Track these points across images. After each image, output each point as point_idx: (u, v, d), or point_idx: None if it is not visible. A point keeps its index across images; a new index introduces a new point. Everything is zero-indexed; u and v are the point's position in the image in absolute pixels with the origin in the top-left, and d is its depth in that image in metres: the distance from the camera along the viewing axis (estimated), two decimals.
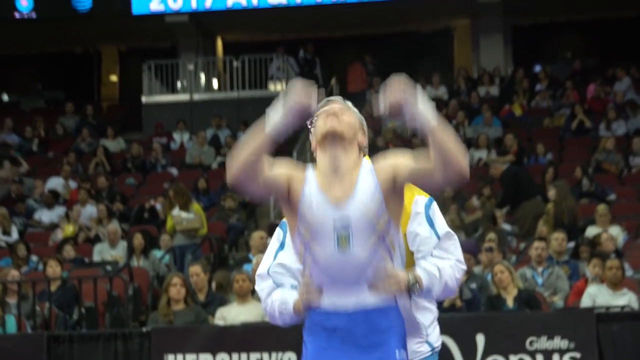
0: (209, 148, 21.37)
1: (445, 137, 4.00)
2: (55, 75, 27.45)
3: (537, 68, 24.42)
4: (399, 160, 4.21)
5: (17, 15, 24.10)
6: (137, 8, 23.84)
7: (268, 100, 18.38)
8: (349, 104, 4.38)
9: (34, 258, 15.92)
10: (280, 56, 23.89)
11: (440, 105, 22.57)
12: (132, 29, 25.80)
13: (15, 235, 17.50)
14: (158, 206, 18.06)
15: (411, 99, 3.95)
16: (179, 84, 24.56)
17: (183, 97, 24.09)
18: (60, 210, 18.75)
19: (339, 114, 4.25)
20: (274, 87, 23.91)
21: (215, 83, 25.22)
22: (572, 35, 26.03)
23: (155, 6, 23.82)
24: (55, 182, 19.91)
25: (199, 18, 24.81)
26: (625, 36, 25.15)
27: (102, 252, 16.19)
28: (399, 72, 4.25)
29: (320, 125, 4.27)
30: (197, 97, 24.00)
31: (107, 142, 22.21)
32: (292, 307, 4.37)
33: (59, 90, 26.61)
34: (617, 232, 14.85)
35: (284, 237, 4.51)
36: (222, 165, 20.58)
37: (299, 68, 24.14)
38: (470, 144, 20.22)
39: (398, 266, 4.32)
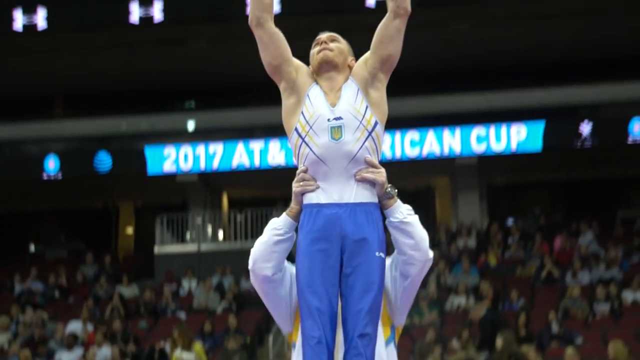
0: (214, 294, 21.35)
1: None
2: (77, 228, 27.59)
3: (510, 222, 24.55)
4: (364, 57, 4.55)
5: (44, 176, 24.32)
6: (152, 169, 24.05)
7: None
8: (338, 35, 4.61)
9: None
10: (279, 210, 24.00)
11: None
12: (147, 187, 26.04)
13: None
14: (167, 348, 17.96)
15: None
16: (188, 236, 24.65)
17: (191, 247, 24.17)
18: (78, 351, 18.65)
19: (329, 42, 4.53)
20: None
21: (220, 234, 25.32)
22: (539, 193, 26.27)
23: (168, 167, 24.04)
24: (74, 326, 19.83)
25: (207, 177, 25.04)
26: (585, 195, 25.40)
27: None
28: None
29: (315, 56, 4.53)
30: (204, 247, 24.09)
31: (123, 288, 22.19)
32: (285, 215, 4.49)
33: (80, 242, 26.71)
34: None
35: None
36: (226, 310, 20.57)
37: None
38: (450, 290, 20.23)
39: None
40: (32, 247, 27.16)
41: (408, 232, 4.46)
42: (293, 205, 4.48)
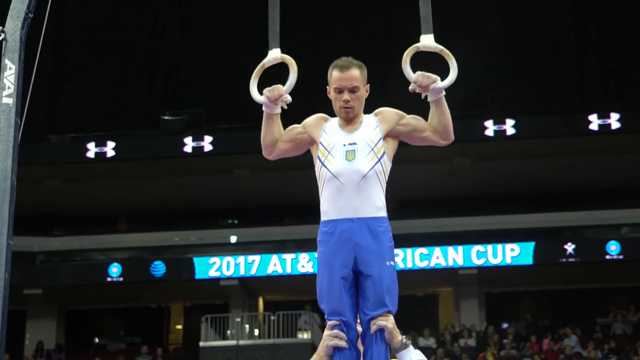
0: None
1: (447, 107, 4.34)
2: (134, 324, 27.61)
3: (505, 325, 24.45)
4: (404, 114, 4.46)
5: (108, 279, 24.53)
6: (199, 275, 24.27)
7: (297, 346, 18.42)
8: (355, 66, 4.42)
9: None
10: (307, 312, 24.03)
11: (429, 352, 22.55)
12: (194, 290, 26.11)
13: None
14: None
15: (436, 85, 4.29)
16: (228, 332, 24.63)
17: (231, 342, 24.09)
18: None
19: (350, 100, 4.39)
20: (302, 335, 23.93)
21: (256, 332, 25.28)
22: (530, 302, 26.18)
23: (213, 273, 24.25)
24: None
25: (245, 282, 25.12)
26: (569, 304, 25.34)
27: None
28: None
29: (337, 108, 4.44)
30: (242, 342, 24.01)
31: None
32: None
33: (137, 336, 26.70)
34: None
35: None
36: None
37: (322, 321, 24.20)
38: None
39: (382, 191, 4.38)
40: (96, 340, 27.18)
41: None
42: (323, 355, 4.30)
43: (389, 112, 4.47)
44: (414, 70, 4.38)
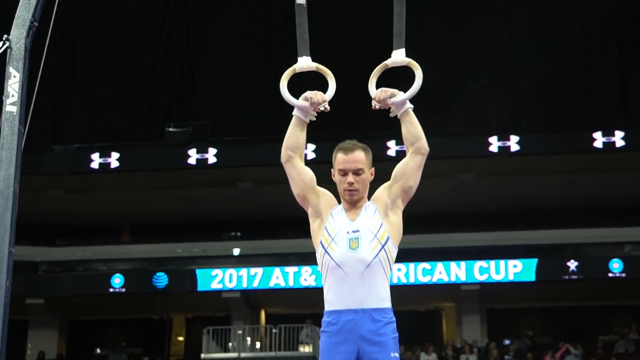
0: None
1: (415, 119, 4.30)
2: (136, 336, 27.56)
3: (507, 342, 24.36)
4: (386, 185, 4.39)
5: (110, 290, 24.50)
6: (201, 286, 24.21)
7: (299, 359, 18.10)
8: (360, 149, 4.37)
9: None
10: (309, 326, 23.97)
11: None
12: (196, 302, 26.07)
13: None
14: None
15: (396, 98, 4.28)
16: (230, 345, 24.57)
17: (233, 354, 24.06)
18: None
19: (354, 182, 4.33)
20: (303, 349, 23.88)
21: (258, 344, 25.22)
22: (532, 318, 26.10)
23: (215, 285, 24.19)
24: None
25: (248, 295, 25.07)
26: (571, 321, 25.29)
27: None
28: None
29: (341, 192, 4.38)
30: (243, 355, 23.98)
31: None
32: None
33: (138, 347, 26.63)
34: None
35: None
36: None
37: None
38: None
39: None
40: (97, 351, 27.11)
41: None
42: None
43: (379, 190, 4.44)
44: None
